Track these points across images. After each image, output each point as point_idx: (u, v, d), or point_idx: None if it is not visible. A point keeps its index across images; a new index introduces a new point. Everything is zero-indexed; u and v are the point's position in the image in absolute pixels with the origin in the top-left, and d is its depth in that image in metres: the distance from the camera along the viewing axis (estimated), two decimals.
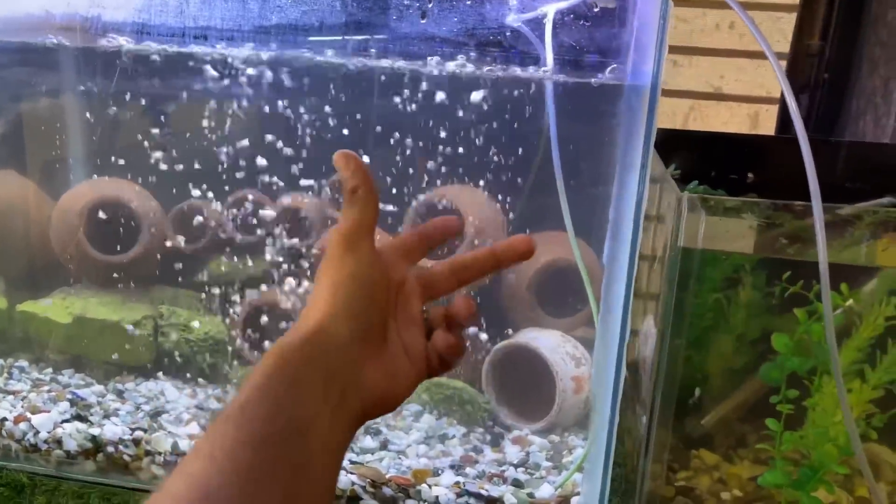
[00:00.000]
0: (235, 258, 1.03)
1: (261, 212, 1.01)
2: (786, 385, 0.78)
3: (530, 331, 1.00)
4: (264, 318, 1.01)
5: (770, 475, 0.79)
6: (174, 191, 1.01)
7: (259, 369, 0.42)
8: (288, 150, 0.94)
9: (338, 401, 0.43)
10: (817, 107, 1.32)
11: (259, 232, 1.01)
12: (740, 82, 1.98)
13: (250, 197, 1.01)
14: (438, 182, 0.96)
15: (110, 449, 0.89)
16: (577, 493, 0.82)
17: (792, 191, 0.72)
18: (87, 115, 1.00)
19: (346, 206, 0.50)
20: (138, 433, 0.90)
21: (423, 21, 0.70)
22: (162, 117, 0.99)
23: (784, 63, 1.77)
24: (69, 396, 0.97)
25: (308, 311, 0.47)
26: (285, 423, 0.39)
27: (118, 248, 1.03)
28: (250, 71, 0.87)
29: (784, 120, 1.33)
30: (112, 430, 0.90)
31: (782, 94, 1.38)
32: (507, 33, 0.73)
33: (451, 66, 0.77)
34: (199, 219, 1.02)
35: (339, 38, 0.72)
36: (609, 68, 0.71)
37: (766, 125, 2.00)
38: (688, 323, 0.82)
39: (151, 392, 1.00)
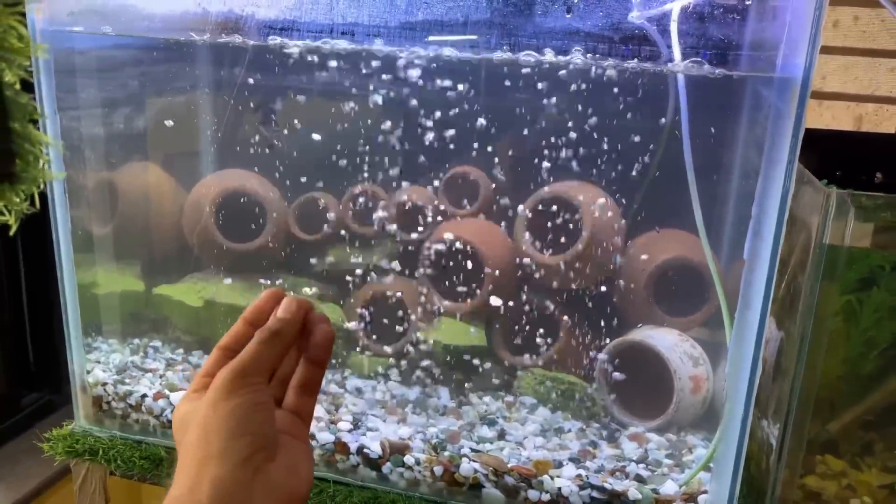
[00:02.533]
0: (354, 248, 1.06)
1: (378, 205, 1.03)
2: None
3: (647, 328, 1.00)
4: (380, 306, 1.04)
5: None
6: (297, 183, 1.04)
7: None
8: (410, 146, 0.96)
9: None
10: None
11: (376, 224, 1.04)
12: (844, 81, 1.91)
13: (369, 191, 1.04)
14: (551, 179, 0.97)
15: None
16: (705, 492, 0.81)
17: None
18: (220, 110, 1.05)
19: (258, 342, 0.52)
20: None
21: (567, 16, 0.71)
22: (287, 113, 1.02)
23: None
24: None
25: (188, 451, 0.49)
26: None
27: (245, 236, 1.08)
28: (387, 65, 0.89)
29: None
30: None
31: None
32: (653, 27, 0.73)
33: (586, 60, 0.77)
34: (319, 210, 1.06)
35: (480, 36, 0.73)
36: (759, 61, 0.70)
37: (874, 125, 1.92)
38: (824, 325, 0.80)
39: None
